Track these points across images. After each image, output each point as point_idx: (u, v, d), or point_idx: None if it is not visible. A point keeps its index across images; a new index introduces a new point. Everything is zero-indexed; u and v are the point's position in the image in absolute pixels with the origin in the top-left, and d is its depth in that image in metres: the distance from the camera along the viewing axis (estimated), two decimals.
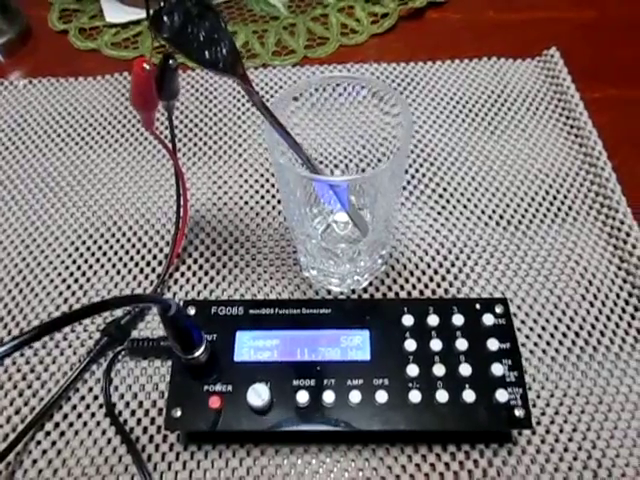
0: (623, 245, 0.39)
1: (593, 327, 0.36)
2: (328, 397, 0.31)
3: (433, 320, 0.33)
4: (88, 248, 0.40)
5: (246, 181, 0.44)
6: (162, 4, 0.23)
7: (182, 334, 0.29)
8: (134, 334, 0.36)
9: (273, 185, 0.44)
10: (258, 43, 0.52)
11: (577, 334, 0.36)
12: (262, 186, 0.44)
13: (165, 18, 0.24)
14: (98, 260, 0.40)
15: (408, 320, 0.33)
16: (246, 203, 0.43)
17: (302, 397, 0.31)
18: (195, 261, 0.40)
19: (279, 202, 0.43)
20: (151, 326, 0.37)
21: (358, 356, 0.32)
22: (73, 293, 0.38)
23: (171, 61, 0.28)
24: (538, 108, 0.47)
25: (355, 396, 0.31)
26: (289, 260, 0.40)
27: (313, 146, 0.37)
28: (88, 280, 0.39)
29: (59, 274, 0.39)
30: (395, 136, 0.34)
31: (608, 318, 0.37)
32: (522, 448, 0.32)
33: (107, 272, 0.39)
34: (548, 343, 0.36)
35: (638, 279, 0.37)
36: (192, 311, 0.34)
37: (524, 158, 0.44)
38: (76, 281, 0.39)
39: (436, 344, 0.32)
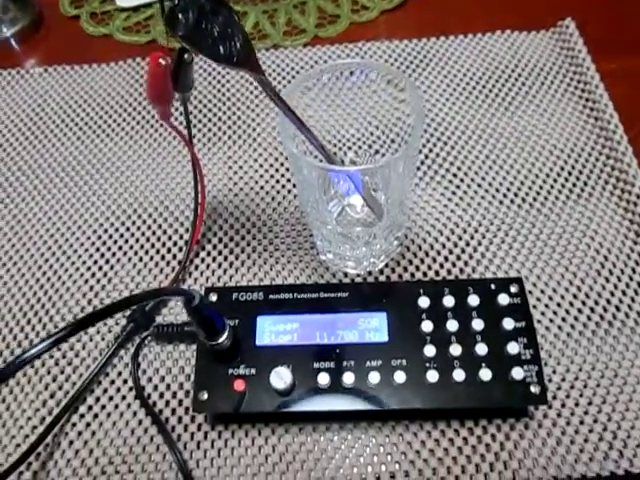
0: (639, 220, 0.39)
1: (608, 302, 0.37)
2: (348, 378, 0.32)
3: (449, 301, 0.34)
4: (110, 236, 0.41)
5: (261, 165, 0.44)
6: (176, 1, 0.24)
7: (206, 322, 0.30)
8: (158, 319, 0.38)
9: (288, 169, 0.44)
10: (268, 23, 0.52)
11: (592, 309, 0.37)
12: (277, 170, 0.44)
13: (180, 16, 0.24)
14: (121, 248, 0.41)
15: (424, 302, 0.34)
16: (262, 188, 0.43)
17: (323, 379, 0.32)
18: (214, 247, 0.41)
19: (294, 186, 0.43)
20: (174, 312, 0.38)
21: (376, 338, 0.33)
22: (98, 281, 0.39)
23: (186, 55, 0.28)
24: (553, 82, 0.46)
25: (374, 377, 0.32)
26: (305, 244, 0.40)
27: (326, 128, 0.37)
28: (112, 267, 0.40)
29: (84, 262, 0.40)
30: (409, 114, 0.34)
31: (624, 293, 0.37)
32: (539, 422, 0.33)
33: (130, 259, 0.40)
34: (564, 319, 0.36)
35: None
36: (214, 297, 0.35)
37: (538, 134, 0.44)
38: (100, 269, 0.40)
39: (452, 325, 0.33)
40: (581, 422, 0.33)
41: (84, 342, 0.37)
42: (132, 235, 0.41)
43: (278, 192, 0.43)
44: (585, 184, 0.41)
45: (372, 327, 0.33)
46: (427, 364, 0.32)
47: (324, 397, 0.32)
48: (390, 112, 0.36)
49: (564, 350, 0.35)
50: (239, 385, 0.32)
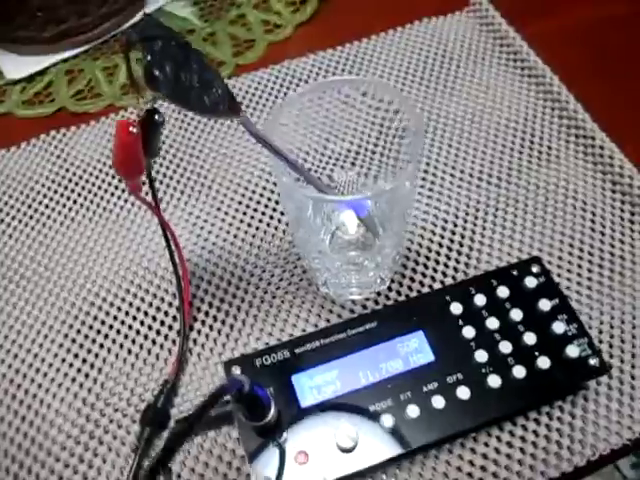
0: (610, 169, 0.40)
1: (612, 254, 0.37)
2: (412, 411, 0.29)
3: (480, 300, 0.33)
4: (86, 336, 0.36)
5: (226, 213, 0.41)
6: (149, 58, 0.20)
7: (253, 404, 0.27)
8: (173, 412, 0.33)
9: (255, 209, 0.41)
10: None
11: (601, 266, 0.37)
12: (244, 213, 0.41)
13: (157, 73, 0.20)
14: (102, 346, 0.36)
15: (456, 308, 0.32)
16: (235, 236, 0.40)
17: (387, 421, 0.29)
18: (207, 314, 0.37)
19: (268, 225, 0.40)
20: (187, 397, 0.34)
21: (422, 360, 0.31)
22: (89, 390, 0.34)
23: (157, 116, 0.24)
24: (484, 58, 0.47)
25: (438, 401, 0.30)
26: (302, 282, 0.38)
27: (312, 147, 0.35)
28: (100, 371, 0.35)
29: (65, 375, 0.35)
30: (394, 126, 0.32)
31: (622, 242, 0.38)
32: (595, 390, 0.32)
33: (117, 355, 0.35)
34: (578, 283, 0.36)
35: (635, 197, 0.39)
36: (237, 370, 0.31)
37: (489, 111, 0.44)
38: (87, 376, 0.35)
39: (492, 322, 0.32)
40: (632, 377, 0.33)
41: (98, 466, 0.32)
42: (111, 328, 0.36)
43: (254, 236, 0.40)
44: (549, 148, 0.42)
45: (413, 349, 0.31)
46: (483, 370, 0.31)
47: (393, 438, 0.29)
48: (377, 125, 0.34)
49: (590, 313, 0.35)
50: (301, 458, 0.29)
